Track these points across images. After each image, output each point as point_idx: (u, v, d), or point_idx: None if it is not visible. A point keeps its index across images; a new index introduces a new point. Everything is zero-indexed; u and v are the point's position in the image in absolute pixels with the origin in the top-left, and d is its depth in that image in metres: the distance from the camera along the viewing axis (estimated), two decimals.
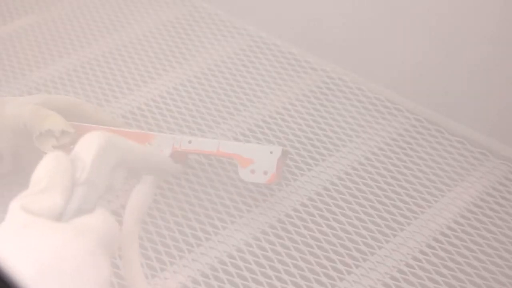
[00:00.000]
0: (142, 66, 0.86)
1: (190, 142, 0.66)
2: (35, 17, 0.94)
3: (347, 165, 0.73)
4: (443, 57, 0.76)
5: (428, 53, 0.77)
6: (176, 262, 0.64)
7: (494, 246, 0.65)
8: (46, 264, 0.46)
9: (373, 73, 0.81)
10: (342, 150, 0.74)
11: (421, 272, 0.63)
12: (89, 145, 0.54)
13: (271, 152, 0.65)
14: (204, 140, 0.66)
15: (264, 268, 0.64)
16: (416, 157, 0.73)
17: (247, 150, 0.65)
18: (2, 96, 0.82)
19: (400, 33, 0.78)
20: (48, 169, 0.51)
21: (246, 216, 0.68)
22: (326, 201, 0.69)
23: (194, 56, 0.87)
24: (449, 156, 0.73)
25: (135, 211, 0.61)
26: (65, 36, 0.91)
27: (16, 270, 0.45)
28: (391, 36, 0.79)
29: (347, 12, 0.82)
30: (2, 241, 0.48)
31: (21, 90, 0.83)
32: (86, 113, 0.69)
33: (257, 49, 0.87)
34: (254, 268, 0.64)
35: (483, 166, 0.72)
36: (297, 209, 0.69)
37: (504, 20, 0.70)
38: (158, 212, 0.68)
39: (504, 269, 0.63)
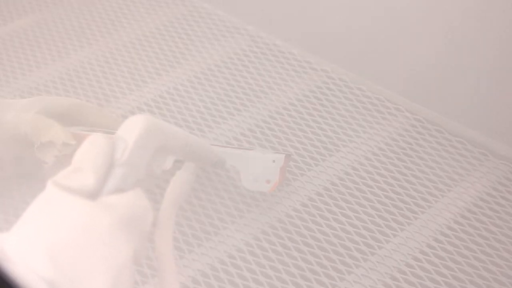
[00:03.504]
0: (142, 66, 0.86)
1: None
2: (35, 17, 0.94)
3: (347, 165, 0.73)
4: (443, 57, 0.76)
5: (428, 53, 0.77)
6: (176, 262, 0.64)
7: (494, 246, 0.65)
8: (63, 238, 0.46)
9: (373, 73, 0.81)
10: (342, 150, 0.74)
11: (421, 272, 0.63)
12: (133, 127, 0.53)
13: (273, 161, 0.66)
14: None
15: (264, 268, 0.64)
16: (416, 157, 0.73)
17: (250, 158, 0.66)
18: (2, 96, 0.82)
19: (400, 33, 0.78)
20: (84, 150, 0.51)
21: (247, 216, 0.68)
22: (326, 201, 0.69)
23: (194, 56, 0.87)
24: (449, 156, 0.73)
25: (173, 196, 0.60)
26: (65, 36, 0.91)
27: (35, 244, 0.45)
28: (391, 36, 0.79)
29: (347, 12, 0.82)
30: (29, 212, 0.48)
31: (21, 90, 0.83)
32: (87, 114, 0.69)
33: (257, 49, 0.87)
34: (255, 268, 0.64)
35: (483, 166, 0.72)
36: (297, 209, 0.69)
37: (505, 20, 0.70)
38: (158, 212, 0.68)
39: (504, 269, 0.63)
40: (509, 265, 0.63)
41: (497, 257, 0.64)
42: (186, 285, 0.63)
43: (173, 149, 0.57)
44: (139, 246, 0.49)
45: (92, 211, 0.48)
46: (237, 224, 0.67)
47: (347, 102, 0.79)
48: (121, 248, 0.48)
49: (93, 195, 0.50)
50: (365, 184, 0.70)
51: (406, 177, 0.71)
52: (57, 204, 0.48)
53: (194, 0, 0.95)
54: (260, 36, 0.88)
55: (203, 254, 0.65)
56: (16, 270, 0.43)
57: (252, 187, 0.66)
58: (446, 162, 0.73)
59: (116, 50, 0.88)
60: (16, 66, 0.87)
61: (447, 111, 0.77)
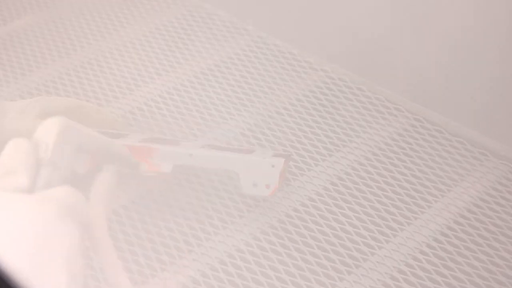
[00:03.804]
0: (142, 66, 0.86)
1: (191, 155, 0.66)
2: (35, 17, 0.94)
3: (347, 165, 0.73)
4: (443, 58, 0.76)
5: (429, 53, 0.77)
6: (176, 262, 0.64)
7: (494, 246, 0.65)
8: (8, 232, 0.48)
9: (373, 73, 0.81)
10: (342, 150, 0.74)
11: (421, 272, 0.63)
12: (50, 128, 0.56)
13: (273, 166, 0.66)
14: (206, 154, 0.66)
15: (264, 268, 0.64)
16: (416, 157, 0.73)
17: (249, 163, 0.66)
18: (2, 97, 0.82)
19: (400, 33, 0.78)
20: (10, 153, 0.53)
21: (246, 216, 0.68)
22: (326, 201, 0.69)
23: (194, 56, 0.87)
24: (449, 156, 0.73)
25: (98, 195, 0.61)
26: (65, 36, 0.91)
27: None
28: (391, 37, 0.79)
29: (347, 12, 0.82)
30: None
31: (21, 90, 0.83)
32: (87, 115, 0.69)
33: (257, 49, 0.87)
34: (254, 268, 0.64)
35: (483, 166, 0.72)
36: (297, 209, 0.69)
37: (504, 20, 0.70)
38: (158, 212, 0.68)
39: (504, 269, 0.63)
40: (509, 265, 0.63)
41: (497, 257, 0.64)
42: (186, 285, 0.63)
43: (92, 150, 0.60)
44: (82, 234, 0.51)
45: (33, 203, 0.50)
46: (237, 224, 0.67)
47: (347, 102, 0.79)
48: (67, 233, 0.50)
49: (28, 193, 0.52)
50: (365, 184, 0.70)
51: (406, 177, 0.71)
52: None
53: (194, 0, 0.95)
54: (260, 36, 0.88)
55: (203, 254, 0.65)
56: None
57: (251, 192, 0.66)
58: (446, 162, 0.73)
59: (116, 50, 0.88)
60: (16, 66, 0.87)
61: (447, 111, 0.76)
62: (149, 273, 0.63)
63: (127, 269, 0.63)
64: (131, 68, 0.86)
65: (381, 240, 0.66)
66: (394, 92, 0.80)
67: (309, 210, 0.68)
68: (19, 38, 0.91)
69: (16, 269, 0.45)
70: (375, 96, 0.80)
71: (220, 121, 0.78)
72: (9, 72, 0.86)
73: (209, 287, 0.63)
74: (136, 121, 0.79)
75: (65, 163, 0.55)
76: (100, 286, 0.61)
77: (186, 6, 0.95)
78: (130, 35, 0.90)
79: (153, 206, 0.69)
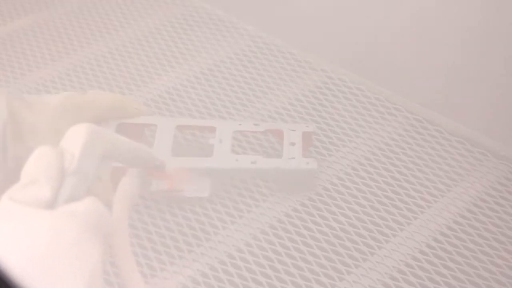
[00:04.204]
0: (141, 66, 0.86)
1: (253, 162, 0.68)
2: (35, 17, 0.94)
3: (347, 165, 0.73)
4: (443, 58, 0.76)
5: (428, 53, 0.77)
6: (176, 262, 0.64)
7: (494, 246, 0.65)
8: (30, 251, 0.47)
9: (373, 73, 0.81)
10: (342, 150, 0.74)
11: (421, 272, 0.63)
12: (76, 137, 0.54)
13: (307, 163, 0.67)
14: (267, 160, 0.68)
15: (264, 268, 0.64)
16: (416, 157, 0.73)
17: (280, 172, 0.67)
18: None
19: (400, 33, 0.78)
20: (34, 162, 0.52)
21: (246, 216, 0.68)
22: (326, 201, 0.69)
23: (194, 56, 0.87)
24: (449, 156, 0.73)
25: (123, 201, 0.60)
26: (65, 36, 0.91)
27: (1, 259, 0.46)
28: (391, 37, 0.79)
29: (346, 12, 0.82)
30: None
31: (21, 90, 0.83)
32: (126, 108, 0.70)
33: (257, 49, 0.87)
34: (254, 268, 0.64)
35: (483, 166, 0.72)
36: (297, 209, 0.69)
37: (505, 20, 0.70)
38: (158, 212, 0.68)
39: (504, 269, 0.63)
40: (509, 265, 0.63)
41: (497, 257, 0.64)
42: (186, 285, 0.63)
43: (117, 156, 0.58)
44: (104, 250, 0.50)
45: (55, 221, 0.49)
46: (237, 224, 0.67)
47: (347, 102, 0.79)
48: (89, 254, 0.48)
49: (50, 206, 0.50)
50: (365, 184, 0.70)
51: (405, 177, 0.71)
52: (18, 218, 0.48)
53: (194, 0, 0.95)
54: (260, 36, 0.88)
55: (203, 254, 0.65)
56: None
57: (291, 193, 0.69)
58: (446, 162, 0.73)
59: (116, 50, 0.88)
60: (16, 66, 0.87)
61: (447, 111, 0.76)
62: (149, 273, 0.63)
63: None
64: (131, 68, 0.86)
65: (380, 240, 0.66)
66: (394, 92, 0.80)
67: (309, 210, 0.68)
68: (19, 38, 0.91)
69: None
70: (375, 96, 0.80)
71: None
72: (9, 72, 0.86)
73: (209, 287, 0.63)
74: None
75: (90, 173, 0.53)
76: None
77: (186, 6, 0.95)
78: (130, 35, 0.90)
79: (153, 206, 0.69)
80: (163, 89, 0.82)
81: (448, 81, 0.76)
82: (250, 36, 0.89)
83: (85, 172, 0.53)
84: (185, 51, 0.88)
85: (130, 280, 0.56)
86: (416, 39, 0.77)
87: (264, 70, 0.84)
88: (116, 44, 0.89)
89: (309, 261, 0.64)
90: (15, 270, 0.45)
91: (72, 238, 0.48)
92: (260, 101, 0.80)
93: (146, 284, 0.63)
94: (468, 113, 0.75)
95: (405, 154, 0.74)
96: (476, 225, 0.67)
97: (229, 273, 0.64)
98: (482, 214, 0.68)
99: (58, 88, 0.83)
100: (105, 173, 0.58)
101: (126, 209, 0.60)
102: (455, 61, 0.75)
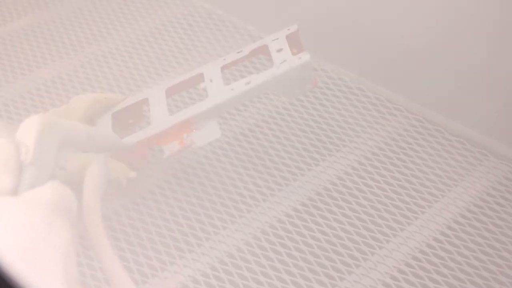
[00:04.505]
0: (142, 66, 0.86)
1: (232, 89, 0.66)
2: (35, 17, 0.94)
3: (347, 165, 0.73)
4: (443, 58, 0.76)
5: (429, 53, 0.77)
6: (176, 262, 0.64)
7: (494, 246, 0.65)
8: (5, 235, 0.48)
9: (373, 73, 0.81)
10: (342, 150, 0.74)
11: (421, 272, 0.63)
12: (29, 129, 0.55)
13: (299, 58, 0.66)
14: (243, 89, 0.67)
15: (264, 268, 0.64)
16: (416, 157, 0.73)
17: (279, 78, 0.66)
18: (1, 96, 0.82)
19: (400, 33, 0.78)
20: None
21: (246, 216, 0.68)
22: (326, 201, 0.69)
23: (194, 56, 0.87)
24: (449, 156, 0.73)
25: (92, 188, 0.61)
26: (65, 36, 0.91)
27: None
28: (391, 37, 0.79)
29: (346, 12, 0.82)
30: None
31: (21, 90, 0.83)
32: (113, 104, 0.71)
33: None
34: (254, 268, 0.64)
35: (483, 166, 0.72)
36: (297, 209, 0.69)
37: (505, 19, 0.70)
38: (158, 212, 0.68)
39: (504, 269, 0.63)
40: (509, 265, 0.63)
41: (497, 257, 0.64)
42: (186, 284, 0.63)
43: (75, 143, 0.59)
44: (73, 228, 0.51)
45: (21, 205, 0.50)
46: (237, 224, 0.67)
47: (347, 102, 0.79)
48: (60, 233, 0.50)
49: (12, 195, 0.51)
50: (365, 184, 0.70)
51: (406, 177, 0.71)
52: None
53: (194, 0, 0.95)
54: (260, 36, 0.88)
55: (203, 254, 0.65)
56: None
57: (296, 95, 0.68)
58: (446, 162, 0.73)
59: (116, 50, 0.88)
60: (16, 66, 0.87)
61: (447, 111, 0.77)
62: (149, 272, 0.63)
63: (127, 268, 0.63)
64: (131, 68, 0.86)
65: (381, 240, 0.66)
66: (394, 92, 0.80)
67: (309, 210, 0.68)
68: (19, 38, 0.91)
69: (11, 271, 0.45)
70: (375, 96, 0.80)
71: (221, 121, 0.78)
72: (9, 72, 0.86)
73: (209, 287, 0.63)
74: None
75: (47, 162, 0.55)
76: (101, 285, 0.61)
77: (186, 6, 0.95)
78: (130, 35, 0.90)
79: (153, 206, 0.69)
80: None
81: (449, 81, 0.76)
82: (250, 36, 0.89)
83: (42, 162, 0.54)
84: (185, 51, 0.88)
85: (103, 257, 0.57)
86: (417, 39, 0.77)
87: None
88: (116, 44, 0.89)
89: (310, 261, 0.64)
90: None
91: (40, 219, 0.49)
92: (260, 101, 0.80)
93: (147, 284, 0.63)
94: (468, 113, 0.75)
95: (405, 154, 0.74)
96: (477, 225, 0.67)
97: (229, 272, 0.64)
98: (482, 214, 0.68)
99: (58, 88, 0.83)
100: (66, 162, 0.58)
101: (96, 193, 0.60)
102: (455, 62, 0.75)
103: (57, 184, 0.53)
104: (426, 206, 0.69)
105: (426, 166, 0.72)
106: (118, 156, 0.65)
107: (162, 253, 0.65)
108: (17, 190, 0.52)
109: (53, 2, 0.96)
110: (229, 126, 0.77)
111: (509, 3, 0.69)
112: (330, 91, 0.81)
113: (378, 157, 0.73)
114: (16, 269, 0.45)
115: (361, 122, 0.77)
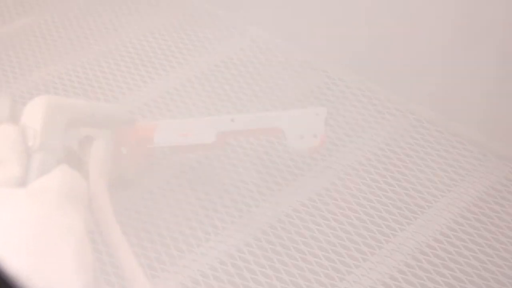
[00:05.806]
0: (142, 66, 0.86)
1: (233, 120, 0.66)
2: (35, 17, 0.94)
3: (347, 165, 0.73)
4: (443, 58, 0.76)
5: (428, 53, 0.77)
6: (176, 262, 0.64)
7: (494, 246, 0.65)
8: (10, 231, 0.47)
9: (373, 73, 0.81)
10: (342, 150, 0.74)
11: (421, 272, 0.63)
12: (35, 111, 0.54)
13: (317, 114, 0.65)
14: (247, 117, 0.67)
15: (264, 268, 0.64)
16: (416, 157, 0.73)
17: (292, 117, 0.65)
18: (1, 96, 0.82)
19: (399, 33, 0.78)
20: None
21: (246, 216, 0.68)
22: (326, 201, 0.69)
23: (194, 56, 0.87)
24: (449, 156, 0.73)
25: (97, 164, 0.60)
26: (65, 36, 0.91)
27: None
28: (391, 37, 0.79)
29: (346, 12, 0.82)
30: None
31: (21, 90, 0.83)
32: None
33: (257, 49, 0.87)
34: (254, 268, 0.64)
35: (483, 166, 0.72)
36: (297, 209, 0.69)
37: (506, 20, 0.70)
38: (159, 212, 0.68)
39: (504, 269, 0.63)
40: (509, 265, 0.63)
41: (497, 257, 0.64)
42: (186, 285, 0.63)
43: (83, 121, 0.58)
44: (86, 214, 0.50)
45: (30, 199, 0.49)
46: (237, 224, 0.67)
47: (347, 102, 0.79)
48: (73, 222, 0.49)
49: (21, 184, 0.50)
50: (365, 184, 0.70)
51: (406, 177, 0.71)
52: None
53: (194, 0, 0.95)
54: (260, 36, 0.88)
55: (203, 254, 0.65)
56: None
57: (299, 145, 0.64)
58: (446, 162, 0.73)
59: (116, 51, 0.88)
60: (16, 66, 0.87)
61: (447, 111, 0.76)
62: (149, 273, 0.63)
63: None
64: (131, 68, 0.86)
65: (381, 240, 0.66)
66: (394, 92, 0.80)
67: (309, 210, 0.68)
68: (19, 38, 0.91)
69: (21, 270, 0.44)
70: (375, 96, 0.80)
71: None
72: (9, 72, 0.86)
73: (209, 287, 0.63)
74: (136, 121, 0.78)
75: (56, 146, 0.53)
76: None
77: (186, 6, 0.95)
78: (130, 36, 0.90)
79: (153, 206, 0.69)
80: (164, 89, 0.82)
81: (449, 81, 0.76)
82: (250, 36, 0.89)
83: (51, 147, 0.53)
84: (185, 51, 0.88)
85: (112, 239, 0.56)
86: (417, 39, 0.77)
87: (264, 70, 0.84)
88: (116, 44, 0.89)
89: (310, 261, 0.64)
90: (1, 253, 0.45)
91: (50, 212, 0.48)
92: (260, 101, 0.80)
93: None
94: (468, 114, 0.75)
95: (405, 154, 0.74)
96: (476, 225, 0.67)
97: (229, 273, 0.64)
98: (482, 214, 0.68)
99: (58, 88, 0.83)
100: (76, 142, 0.57)
101: (103, 173, 0.59)
102: (455, 62, 0.75)
103: (66, 169, 0.51)
104: (426, 207, 0.69)
105: (426, 166, 0.72)
106: (121, 133, 0.64)
107: (162, 253, 0.65)
108: (26, 179, 0.51)
109: (53, 2, 0.96)
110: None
111: (509, 3, 0.69)
112: (330, 91, 0.81)
113: (378, 158, 0.73)
114: (27, 268, 0.45)
115: (361, 123, 0.77)
